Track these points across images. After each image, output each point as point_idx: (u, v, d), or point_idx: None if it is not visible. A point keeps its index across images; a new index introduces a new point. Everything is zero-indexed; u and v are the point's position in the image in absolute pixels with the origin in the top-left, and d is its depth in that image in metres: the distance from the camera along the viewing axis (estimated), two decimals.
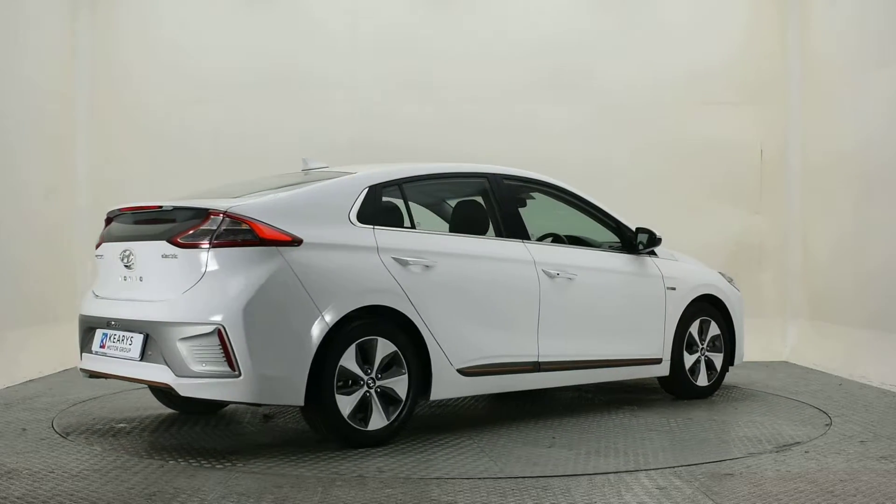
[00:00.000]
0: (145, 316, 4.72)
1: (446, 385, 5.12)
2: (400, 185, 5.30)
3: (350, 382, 4.75)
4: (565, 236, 6.22)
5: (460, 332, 5.17)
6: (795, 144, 9.22)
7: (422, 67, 9.17)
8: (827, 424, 5.56)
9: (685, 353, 6.35)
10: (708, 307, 6.53)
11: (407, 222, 5.25)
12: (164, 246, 4.68)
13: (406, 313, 4.94)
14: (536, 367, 5.54)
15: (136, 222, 5.05)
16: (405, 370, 4.90)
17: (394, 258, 4.96)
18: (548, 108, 9.17)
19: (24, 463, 4.50)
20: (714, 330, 6.55)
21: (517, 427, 5.49)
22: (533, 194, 6.12)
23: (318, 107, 8.99)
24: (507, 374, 5.43)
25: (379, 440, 4.84)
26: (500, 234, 5.61)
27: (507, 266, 5.48)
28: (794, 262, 9.13)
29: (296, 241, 4.64)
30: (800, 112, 9.20)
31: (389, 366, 4.88)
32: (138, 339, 4.73)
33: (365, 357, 4.79)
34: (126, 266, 4.91)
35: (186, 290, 4.59)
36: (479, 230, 5.61)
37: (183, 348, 4.52)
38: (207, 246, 4.57)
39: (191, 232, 4.63)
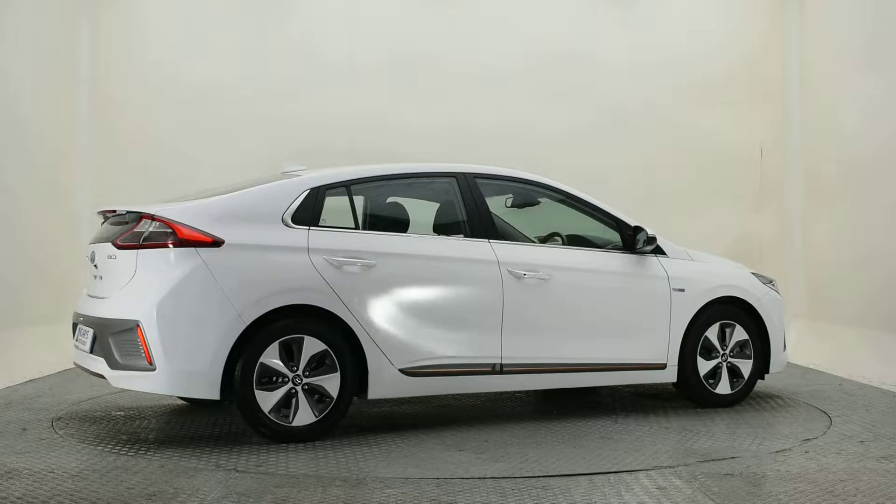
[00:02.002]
0: (94, 312, 5.11)
1: (386, 385, 5.14)
2: (348, 187, 5.37)
3: (275, 379, 4.87)
4: (567, 236, 6.06)
5: (403, 332, 5.16)
6: (795, 144, 9.24)
7: (422, 74, 9.17)
8: (827, 424, 5.56)
9: (700, 359, 5.97)
10: (734, 310, 6.13)
11: (352, 223, 5.32)
12: (109, 247, 5.05)
13: (337, 312, 5.00)
14: (499, 369, 5.41)
15: (109, 225, 5.36)
16: (337, 368, 4.98)
17: (325, 258, 5.03)
18: (549, 110, 9.18)
19: (24, 463, 4.50)
20: (740, 335, 6.11)
21: (461, 429, 5.38)
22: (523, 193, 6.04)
23: (317, 112, 9.00)
24: (461, 375, 5.34)
25: (305, 436, 4.93)
26: (467, 233, 5.53)
27: (463, 266, 5.38)
28: (793, 262, 9.14)
29: (216, 242, 4.85)
30: (800, 112, 9.22)
31: (321, 363, 4.97)
32: (90, 333, 5.11)
33: (291, 354, 4.91)
34: (94, 266, 5.27)
35: (121, 288, 4.94)
36: (442, 230, 5.66)
37: (113, 343, 4.87)
38: (137, 247, 4.89)
39: (127, 234, 4.97)
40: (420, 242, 5.43)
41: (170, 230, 4.83)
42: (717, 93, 9.30)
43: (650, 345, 5.86)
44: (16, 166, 7.74)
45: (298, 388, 4.92)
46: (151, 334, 4.71)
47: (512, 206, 6.15)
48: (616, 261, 5.89)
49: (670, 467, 4.48)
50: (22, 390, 6.78)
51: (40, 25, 8.30)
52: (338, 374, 4.99)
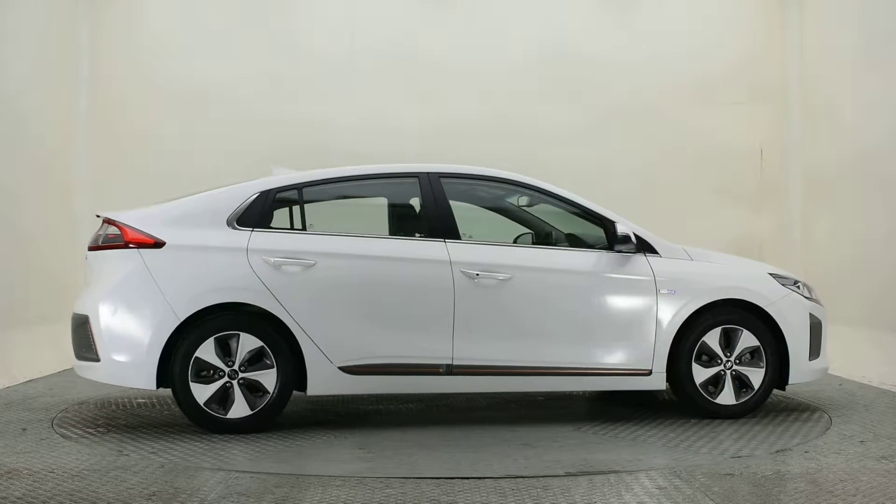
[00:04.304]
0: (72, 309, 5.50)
1: (325, 382, 5.25)
2: (300, 190, 5.50)
3: (211, 373, 5.14)
4: (557, 235, 5.85)
5: (343, 331, 5.24)
6: (795, 144, 9.25)
7: (422, 74, 9.18)
8: (827, 424, 5.56)
9: (697, 366, 5.57)
10: (742, 314, 5.66)
11: (300, 224, 5.45)
12: (86, 250, 5.47)
13: (271, 310, 5.18)
14: (448, 370, 5.34)
15: None
16: (272, 364, 5.17)
17: (263, 258, 5.21)
18: (549, 109, 9.18)
19: (24, 463, 4.50)
20: (749, 341, 5.64)
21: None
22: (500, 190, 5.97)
23: (317, 113, 9.00)
24: (407, 374, 5.33)
25: (240, 428, 5.16)
26: (425, 234, 5.51)
27: (411, 266, 5.37)
28: (793, 262, 9.13)
29: (158, 244, 5.19)
30: (799, 112, 9.22)
31: (258, 359, 5.18)
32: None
33: (227, 350, 5.15)
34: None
35: (87, 286, 5.39)
36: (397, 230, 5.73)
37: (75, 336, 5.36)
38: (98, 248, 5.33)
39: (94, 237, 5.42)
40: (365, 243, 5.45)
41: (119, 233, 5.24)
42: (717, 92, 9.30)
43: (631, 349, 5.54)
44: (16, 166, 7.75)
45: (234, 382, 5.16)
46: (96, 328, 5.12)
47: (524, 205, 6.07)
48: (593, 260, 5.61)
49: (670, 467, 4.48)
50: (22, 390, 6.79)
51: (40, 25, 8.30)
52: (274, 370, 5.18)
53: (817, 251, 8.88)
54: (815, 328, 5.91)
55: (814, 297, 6.08)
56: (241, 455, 4.73)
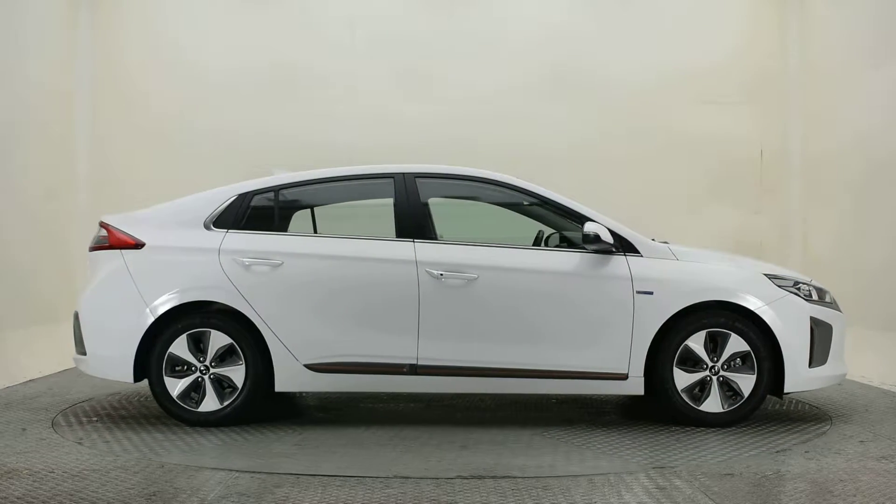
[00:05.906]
0: None
1: (291, 379, 5.40)
2: (276, 192, 5.69)
3: (184, 367, 5.39)
4: (548, 236, 5.83)
5: (308, 329, 5.37)
6: (795, 143, 9.25)
7: (421, 67, 9.19)
8: (827, 424, 5.56)
9: (679, 371, 5.35)
10: (730, 317, 5.37)
11: (276, 226, 5.67)
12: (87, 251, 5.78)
13: (240, 309, 5.38)
14: (412, 370, 5.34)
15: None
16: (242, 361, 5.36)
17: (234, 258, 5.41)
18: (547, 106, 9.18)
19: (24, 463, 4.51)
20: (738, 345, 5.35)
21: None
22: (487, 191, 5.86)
23: (319, 108, 9.03)
24: (371, 373, 5.37)
25: (211, 421, 5.39)
26: (396, 234, 5.51)
27: (377, 266, 5.40)
28: (793, 261, 9.14)
29: (138, 245, 5.48)
30: (799, 111, 9.23)
31: (229, 356, 5.40)
32: None
33: (199, 346, 5.39)
34: None
35: (84, 285, 5.67)
36: (369, 231, 5.71)
37: (73, 331, 5.62)
38: (92, 249, 5.64)
39: (93, 239, 5.69)
40: (333, 243, 5.51)
41: (106, 234, 5.56)
42: (717, 91, 9.30)
43: (605, 352, 5.36)
44: (17, 166, 7.75)
45: (205, 377, 5.40)
46: (83, 324, 5.47)
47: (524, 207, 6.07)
48: (566, 260, 5.47)
49: (670, 467, 4.48)
50: (22, 390, 6.79)
51: (41, 24, 8.30)
52: (243, 367, 5.38)
53: (817, 250, 8.88)
54: (822, 333, 5.52)
55: (826, 300, 5.68)
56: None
